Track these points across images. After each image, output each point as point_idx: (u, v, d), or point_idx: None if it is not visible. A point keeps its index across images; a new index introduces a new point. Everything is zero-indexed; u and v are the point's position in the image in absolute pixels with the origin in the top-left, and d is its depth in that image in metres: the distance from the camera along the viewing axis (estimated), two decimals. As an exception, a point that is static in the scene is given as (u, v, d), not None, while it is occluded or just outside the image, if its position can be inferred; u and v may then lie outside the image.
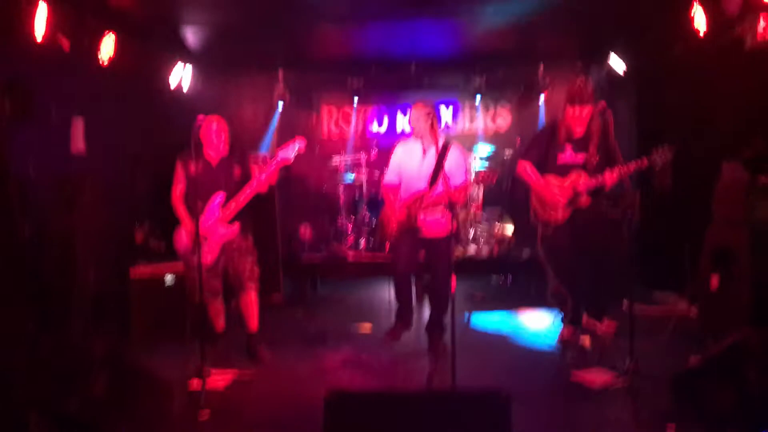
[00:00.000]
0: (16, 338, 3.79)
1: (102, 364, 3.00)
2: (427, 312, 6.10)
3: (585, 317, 4.78)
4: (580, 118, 4.38)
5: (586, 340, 4.64)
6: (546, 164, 4.52)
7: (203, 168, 4.49)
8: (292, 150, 4.44)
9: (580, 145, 4.43)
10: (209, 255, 4.42)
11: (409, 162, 4.71)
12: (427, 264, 4.86)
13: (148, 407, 3.37)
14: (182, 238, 4.54)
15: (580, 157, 4.42)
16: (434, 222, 4.59)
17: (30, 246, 4.56)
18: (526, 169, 4.55)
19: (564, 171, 4.44)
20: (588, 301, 4.64)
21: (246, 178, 4.56)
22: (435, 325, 4.82)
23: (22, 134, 4.58)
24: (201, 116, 4.04)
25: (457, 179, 4.45)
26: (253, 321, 4.56)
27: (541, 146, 4.54)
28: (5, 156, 4.30)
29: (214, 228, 4.42)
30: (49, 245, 4.88)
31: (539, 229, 4.62)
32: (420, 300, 6.40)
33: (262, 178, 4.44)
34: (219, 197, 4.45)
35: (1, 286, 4.09)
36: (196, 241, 3.98)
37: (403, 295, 4.90)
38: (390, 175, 4.86)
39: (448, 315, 4.43)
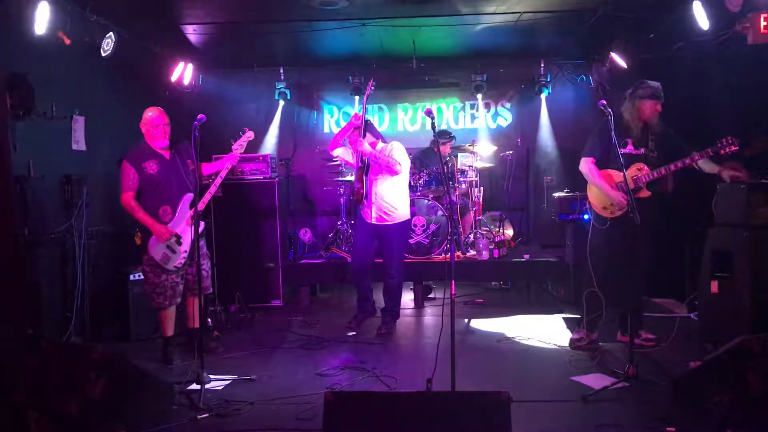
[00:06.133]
0: (15, 339, 3.79)
1: (101, 365, 3.00)
2: (428, 315, 6.16)
3: (620, 336, 4.74)
4: (654, 113, 4.39)
5: (596, 344, 4.63)
6: (607, 158, 4.50)
7: (160, 165, 4.41)
8: (245, 142, 4.64)
9: (642, 139, 4.43)
10: (183, 256, 4.39)
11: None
12: (380, 253, 5.38)
13: (148, 408, 3.37)
14: (159, 245, 4.39)
15: (641, 151, 4.42)
16: (378, 212, 5.20)
17: (30, 246, 4.56)
18: (590, 166, 4.52)
19: (625, 164, 4.35)
20: (628, 310, 4.49)
21: (196, 167, 4.56)
22: (386, 312, 5.38)
23: (24, 132, 4.58)
24: (202, 115, 4.02)
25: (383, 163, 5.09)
26: (197, 320, 4.50)
27: (604, 141, 4.45)
28: (6, 154, 4.29)
29: (185, 229, 4.39)
30: (49, 245, 4.88)
31: (592, 225, 4.61)
32: (420, 303, 6.44)
33: (224, 173, 4.53)
34: (189, 197, 4.42)
35: (1, 285, 4.09)
36: (189, 242, 3.98)
37: (359, 284, 5.46)
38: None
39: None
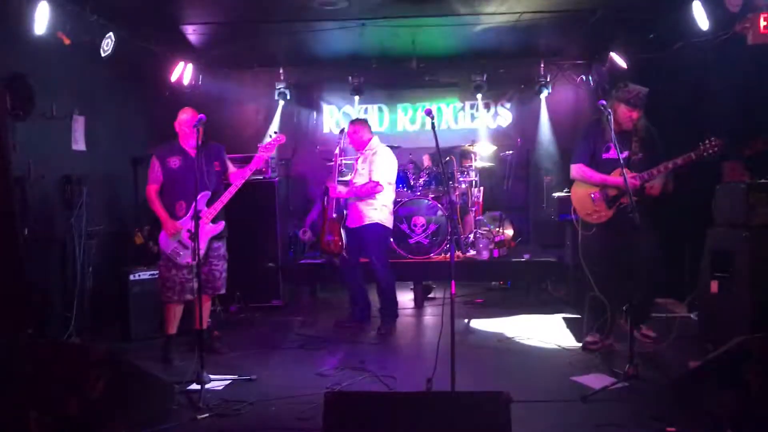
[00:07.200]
0: (15, 339, 3.79)
1: (102, 365, 3.00)
2: (427, 315, 6.16)
3: (623, 323, 4.71)
4: (631, 119, 4.37)
5: (611, 348, 4.58)
6: (594, 162, 4.50)
7: (183, 161, 4.48)
8: (273, 146, 4.66)
9: (624, 142, 4.38)
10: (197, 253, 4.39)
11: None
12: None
13: (148, 407, 3.37)
14: (169, 239, 4.46)
15: (624, 155, 4.37)
16: (352, 214, 5.32)
17: (30, 246, 4.55)
18: (582, 170, 4.52)
19: (608, 168, 4.40)
20: (627, 306, 4.51)
21: (224, 169, 4.63)
22: (384, 312, 5.37)
23: (24, 132, 4.58)
24: (202, 114, 4.04)
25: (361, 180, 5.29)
26: (205, 321, 4.52)
27: (589, 143, 4.49)
28: (6, 154, 4.29)
29: (201, 226, 4.37)
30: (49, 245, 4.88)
31: (579, 230, 4.60)
32: (420, 303, 6.44)
33: (248, 174, 4.53)
34: (205, 195, 4.44)
35: (1, 285, 4.08)
36: (197, 236, 3.98)
37: (348, 283, 5.50)
38: None
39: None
